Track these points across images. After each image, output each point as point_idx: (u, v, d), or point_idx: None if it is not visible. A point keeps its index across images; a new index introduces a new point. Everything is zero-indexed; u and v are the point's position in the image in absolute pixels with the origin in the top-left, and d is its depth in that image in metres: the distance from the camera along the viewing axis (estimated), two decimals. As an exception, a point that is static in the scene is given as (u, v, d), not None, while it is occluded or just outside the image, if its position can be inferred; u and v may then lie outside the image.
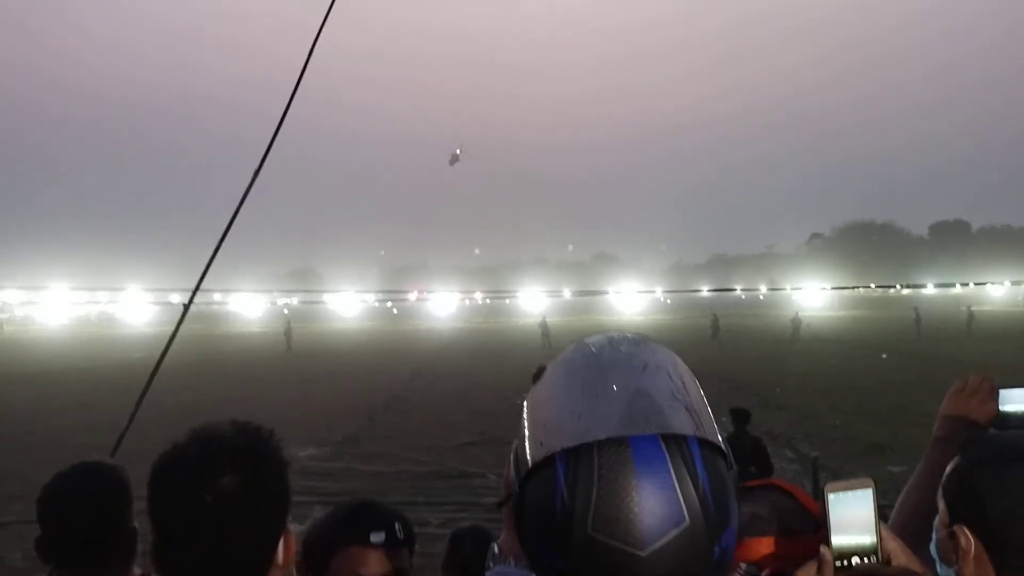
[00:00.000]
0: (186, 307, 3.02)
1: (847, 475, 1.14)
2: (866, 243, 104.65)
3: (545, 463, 0.89)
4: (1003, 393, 1.54)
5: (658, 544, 0.84)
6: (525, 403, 1.00)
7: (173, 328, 2.95)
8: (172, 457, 1.28)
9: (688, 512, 0.85)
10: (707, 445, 0.90)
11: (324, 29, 3.43)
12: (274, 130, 3.34)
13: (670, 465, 0.86)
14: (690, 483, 0.86)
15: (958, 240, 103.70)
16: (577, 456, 0.87)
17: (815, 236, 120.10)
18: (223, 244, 3.30)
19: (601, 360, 0.95)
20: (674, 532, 0.84)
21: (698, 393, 0.95)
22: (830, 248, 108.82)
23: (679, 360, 0.98)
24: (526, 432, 0.96)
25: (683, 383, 0.94)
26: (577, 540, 0.85)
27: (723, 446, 0.93)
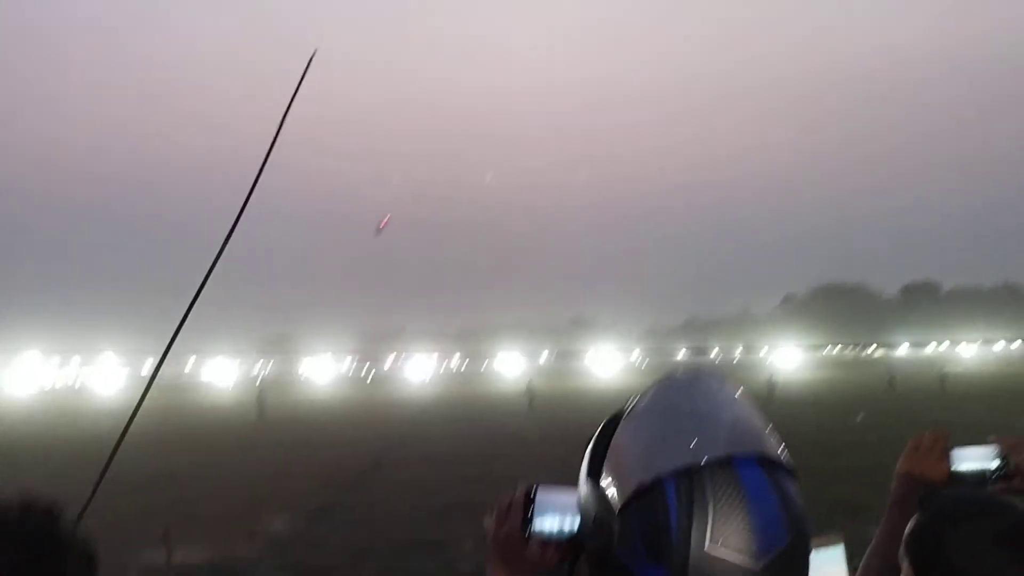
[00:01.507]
0: (153, 374, 2.97)
1: (824, 538, 1.20)
2: (838, 304, 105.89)
3: (654, 486, 0.95)
4: (955, 452, 1.58)
5: (768, 559, 0.91)
6: (615, 436, 1.04)
7: (139, 395, 2.90)
8: None
9: (788, 529, 0.94)
10: (788, 467, 1.00)
11: (293, 104, 3.47)
12: (243, 201, 3.35)
13: (770, 485, 0.95)
14: (787, 502, 0.95)
15: (928, 301, 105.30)
16: (689, 477, 0.94)
17: (788, 297, 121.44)
18: (191, 312, 3.27)
19: (696, 389, 1.04)
20: (779, 548, 0.92)
21: (767, 421, 1.05)
22: (803, 309, 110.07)
23: (747, 392, 1.08)
24: (620, 460, 1.01)
25: (758, 411, 1.04)
26: (694, 557, 0.91)
27: (794, 470, 1.03)
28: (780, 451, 1.00)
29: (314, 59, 3.63)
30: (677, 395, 1.04)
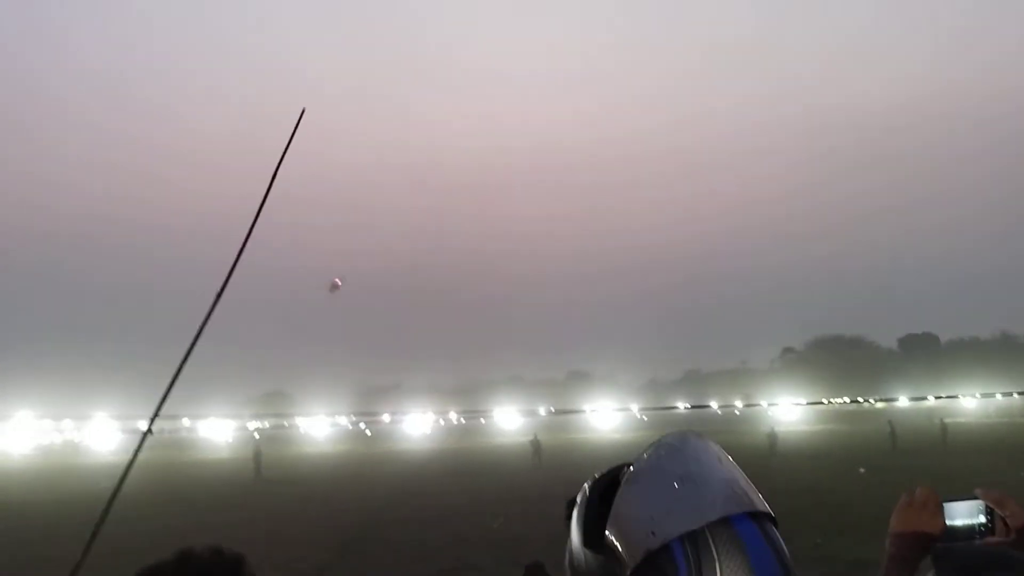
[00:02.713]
0: (145, 433, 2.97)
1: None
2: (837, 357, 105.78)
3: (661, 550, 1.01)
4: (947, 507, 1.59)
5: None
6: (615, 503, 1.10)
7: (131, 455, 2.89)
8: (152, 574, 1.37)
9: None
10: (772, 519, 1.09)
11: (283, 161, 3.52)
12: (235, 256, 3.38)
13: (763, 538, 1.03)
14: (779, 552, 1.04)
15: (927, 353, 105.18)
16: (693, 539, 1.01)
17: (787, 351, 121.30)
18: (184, 369, 3.27)
19: (688, 453, 1.11)
20: None
21: (746, 476, 1.14)
22: (802, 362, 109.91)
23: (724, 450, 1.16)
24: (623, 527, 1.07)
25: (739, 468, 1.13)
26: None
27: (776, 520, 1.11)
28: (763, 503, 1.08)
29: (303, 117, 3.71)
30: (671, 460, 1.10)
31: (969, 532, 1.56)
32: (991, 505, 1.55)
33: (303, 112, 3.31)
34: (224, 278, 3.20)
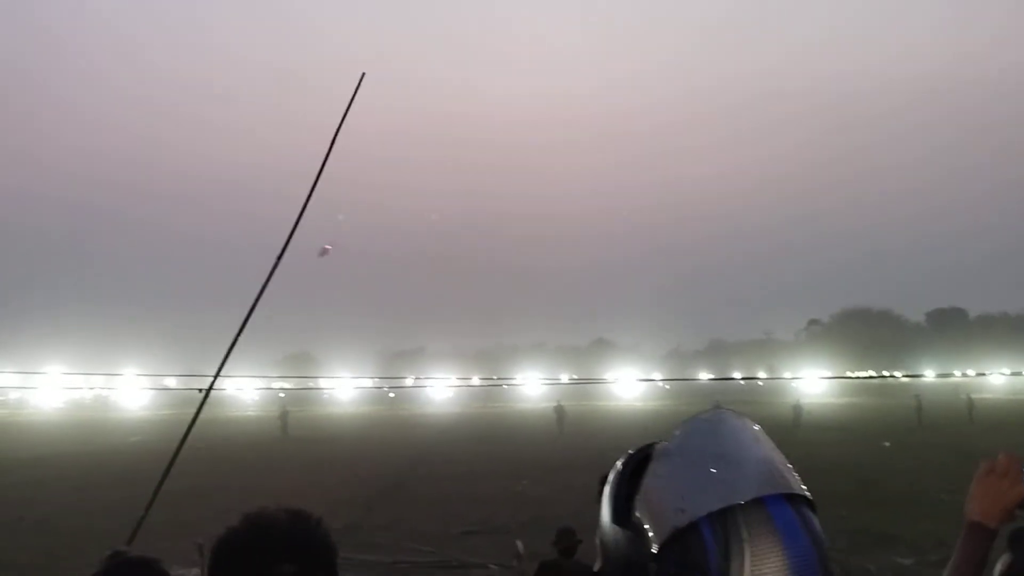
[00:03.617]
0: (207, 392, 3.03)
1: (857, 568, 1.26)
2: (864, 330, 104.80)
3: (689, 528, 0.99)
4: None
5: None
6: (644, 480, 1.09)
7: (194, 413, 2.95)
8: (230, 543, 1.29)
9: (820, 564, 0.99)
10: (810, 502, 1.06)
11: (346, 120, 3.54)
12: (295, 219, 3.41)
13: (798, 522, 1.00)
14: (816, 537, 1.01)
15: (955, 327, 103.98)
16: (723, 519, 0.99)
17: (813, 323, 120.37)
18: (242, 330, 3.32)
19: (722, 432, 1.09)
20: None
21: (784, 457, 1.11)
22: (828, 335, 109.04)
23: (763, 430, 1.14)
24: (651, 504, 1.05)
25: (777, 449, 1.10)
26: None
27: (814, 504, 1.08)
28: (802, 486, 1.06)
29: (363, 81, 3.71)
30: (703, 439, 1.08)
31: None
32: None
33: (363, 77, 3.33)
34: (284, 240, 3.24)
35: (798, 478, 1.07)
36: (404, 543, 14.26)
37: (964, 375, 46.89)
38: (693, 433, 1.10)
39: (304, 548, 1.33)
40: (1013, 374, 61.97)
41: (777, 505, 1.00)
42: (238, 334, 2.95)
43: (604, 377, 65.53)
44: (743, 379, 66.65)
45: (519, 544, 11.28)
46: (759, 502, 0.99)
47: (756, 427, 1.12)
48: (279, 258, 3.03)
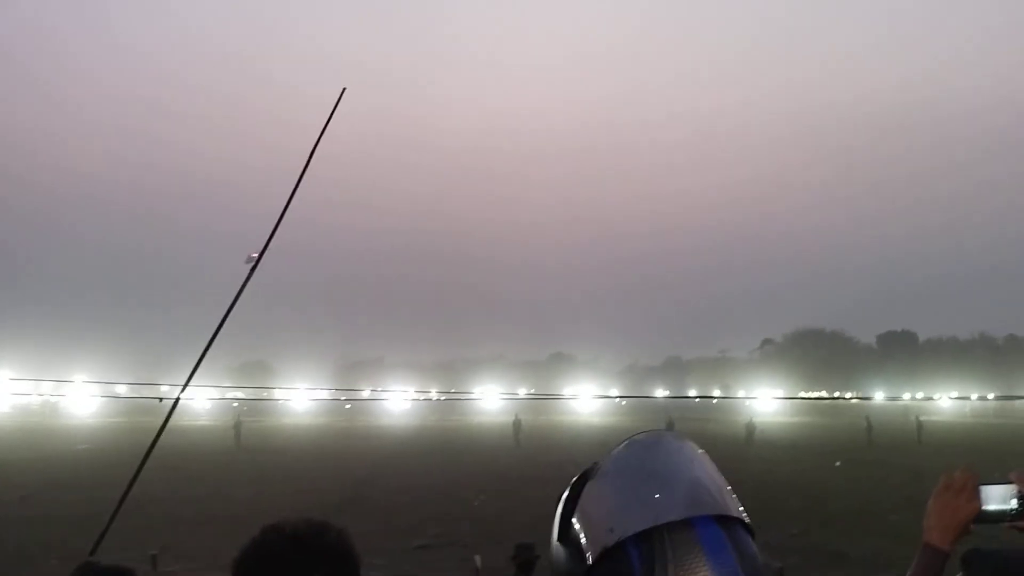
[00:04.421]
0: (175, 401, 3.01)
1: None
2: (816, 350, 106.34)
3: (617, 548, 1.00)
4: (983, 490, 1.63)
5: None
6: (581, 498, 1.09)
7: (163, 422, 2.93)
8: (258, 555, 1.29)
9: None
10: (745, 525, 1.05)
11: (324, 134, 3.55)
12: (274, 225, 3.42)
13: (728, 543, 0.99)
14: (745, 559, 0.99)
15: (905, 350, 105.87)
16: (650, 539, 0.98)
17: (767, 342, 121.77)
18: (214, 339, 3.31)
19: (658, 453, 1.09)
20: None
21: (724, 479, 1.10)
22: (781, 354, 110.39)
23: (705, 452, 1.14)
24: (586, 522, 1.05)
25: (716, 471, 1.10)
26: None
27: (751, 527, 1.07)
28: (738, 509, 1.05)
29: (343, 97, 3.73)
30: (639, 459, 1.09)
31: (1000, 516, 1.61)
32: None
33: (343, 92, 3.34)
34: (259, 252, 3.24)
35: (735, 500, 1.07)
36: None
37: (913, 397, 47.77)
38: (630, 453, 1.11)
39: (332, 557, 1.35)
40: (960, 397, 63.40)
41: (706, 526, 0.99)
42: (209, 344, 2.94)
43: (562, 392, 65.70)
44: (698, 398, 67.29)
45: (476, 559, 11.25)
46: (687, 523, 0.99)
47: (696, 449, 1.12)
48: (253, 269, 3.02)
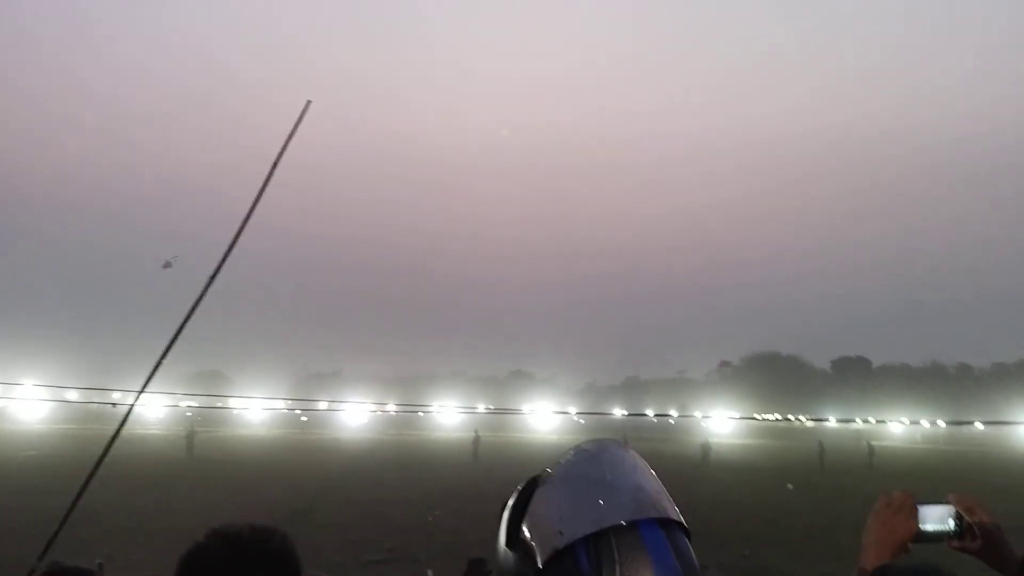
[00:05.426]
0: (130, 408, 3.00)
1: None
2: (772, 373, 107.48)
3: (566, 550, 1.07)
4: (921, 510, 1.67)
5: None
6: (531, 504, 1.16)
7: (116, 428, 2.91)
8: (201, 557, 1.31)
9: None
10: (683, 527, 1.14)
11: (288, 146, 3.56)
12: (234, 234, 3.41)
13: (669, 545, 1.08)
14: (684, 559, 1.08)
15: (859, 375, 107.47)
16: (597, 541, 1.06)
17: (724, 364, 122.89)
18: (171, 347, 3.29)
19: (603, 460, 1.17)
20: None
21: (663, 484, 1.19)
22: (738, 376, 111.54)
23: (645, 460, 1.22)
24: (535, 527, 1.12)
25: (655, 477, 1.19)
26: None
27: (688, 529, 1.16)
28: (676, 512, 1.15)
29: (308, 110, 3.74)
30: (585, 466, 1.16)
31: (938, 536, 1.65)
32: (961, 511, 1.64)
33: (308, 105, 3.35)
34: (218, 261, 3.23)
35: (674, 505, 1.15)
36: (307, 571, 13.94)
37: (866, 422, 48.50)
38: (577, 459, 1.18)
39: (273, 562, 1.37)
40: (912, 423, 64.57)
41: (649, 529, 1.08)
42: (167, 349, 2.93)
43: (521, 408, 65.65)
44: (655, 416, 67.66)
45: (429, 573, 11.21)
46: (632, 526, 1.07)
47: (637, 457, 1.20)
48: (212, 278, 3.03)
